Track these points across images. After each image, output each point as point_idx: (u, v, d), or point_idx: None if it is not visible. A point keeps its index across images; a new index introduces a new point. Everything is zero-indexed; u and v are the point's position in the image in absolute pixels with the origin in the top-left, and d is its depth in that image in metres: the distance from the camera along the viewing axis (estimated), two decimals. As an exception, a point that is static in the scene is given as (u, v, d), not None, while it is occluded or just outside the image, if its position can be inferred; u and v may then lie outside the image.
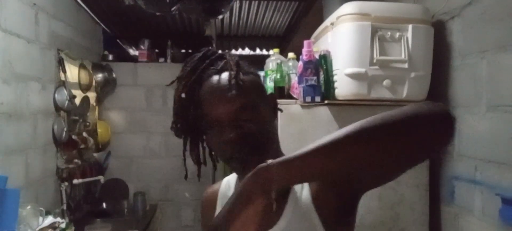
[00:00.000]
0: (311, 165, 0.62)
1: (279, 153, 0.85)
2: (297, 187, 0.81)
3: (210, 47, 0.89)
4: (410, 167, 0.65)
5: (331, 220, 0.76)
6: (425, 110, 0.62)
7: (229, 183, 0.98)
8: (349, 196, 0.77)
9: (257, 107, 0.81)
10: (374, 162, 0.61)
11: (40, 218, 2.02)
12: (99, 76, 3.52)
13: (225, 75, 0.81)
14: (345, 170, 0.63)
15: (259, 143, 0.79)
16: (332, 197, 0.76)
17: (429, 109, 0.62)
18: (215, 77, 0.82)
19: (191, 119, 0.83)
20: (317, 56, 1.72)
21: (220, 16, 2.90)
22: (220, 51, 0.89)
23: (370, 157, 0.60)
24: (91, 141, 3.13)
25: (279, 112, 0.92)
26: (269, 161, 0.63)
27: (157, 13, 2.51)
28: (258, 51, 4.96)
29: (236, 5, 3.39)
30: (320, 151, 0.62)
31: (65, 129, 2.64)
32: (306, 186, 0.80)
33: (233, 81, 0.79)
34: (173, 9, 2.35)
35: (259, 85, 0.87)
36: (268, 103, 0.87)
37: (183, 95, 0.83)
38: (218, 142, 0.80)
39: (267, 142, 0.82)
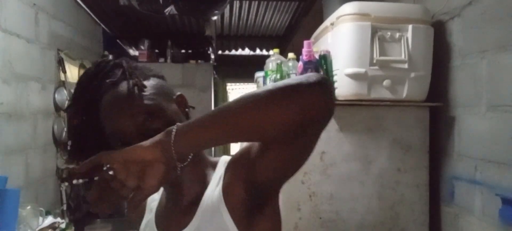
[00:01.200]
0: (208, 132, 0.62)
1: (200, 156, 0.83)
2: (212, 185, 0.79)
3: (104, 58, 0.82)
4: (304, 140, 0.65)
5: (241, 213, 0.73)
6: (303, 78, 0.62)
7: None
8: (258, 187, 0.72)
9: (165, 112, 0.75)
10: (263, 131, 0.61)
11: (40, 218, 2.02)
12: (99, 76, 3.52)
13: (123, 85, 0.75)
14: (237, 138, 0.65)
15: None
16: (239, 189, 0.73)
17: (307, 76, 0.62)
18: (113, 90, 0.75)
19: (95, 146, 0.72)
20: (317, 56, 1.72)
21: (214, 17, 2.91)
22: (114, 60, 0.82)
23: (259, 125, 0.61)
24: (91, 141, 3.13)
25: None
26: (176, 125, 0.63)
27: (152, 14, 2.52)
28: (258, 51, 4.96)
29: (236, 5, 3.39)
30: (216, 118, 0.63)
31: (65, 129, 2.64)
32: (220, 180, 0.78)
33: (133, 89, 0.74)
34: (167, 10, 2.35)
35: (163, 88, 0.81)
36: (177, 104, 0.82)
37: (76, 122, 0.78)
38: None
39: None
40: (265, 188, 0.73)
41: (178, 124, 0.64)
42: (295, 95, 0.59)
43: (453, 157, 1.61)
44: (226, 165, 0.79)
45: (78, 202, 2.98)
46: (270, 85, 0.64)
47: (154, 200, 0.91)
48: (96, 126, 0.76)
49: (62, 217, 2.49)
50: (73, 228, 2.30)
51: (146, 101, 0.74)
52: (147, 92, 0.75)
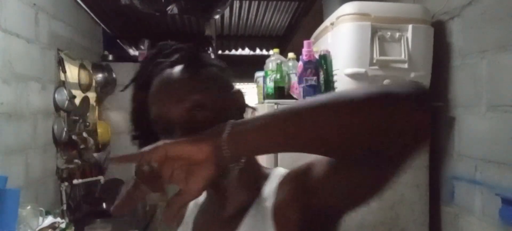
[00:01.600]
0: (272, 134, 0.52)
1: (253, 163, 0.74)
2: (261, 198, 0.69)
3: (169, 41, 0.76)
4: (388, 166, 0.52)
5: None
6: (400, 88, 0.50)
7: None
8: (315, 213, 0.62)
9: (215, 105, 0.66)
10: (350, 143, 0.49)
11: (40, 218, 2.02)
12: (99, 76, 3.52)
13: (177, 69, 0.69)
14: (307, 148, 0.52)
15: None
16: (294, 212, 0.63)
17: (404, 86, 0.50)
18: (166, 72, 0.69)
19: (145, 127, 0.69)
20: (317, 56, 1.72)
21: (216, 16, 2.90)
22: (178, 44, 0.75)
23: (348, 134, 0.48)
24: (91, 141, 3.13)
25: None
26: (232, 122, 0.54)
27: (154, 13, 2.52)
28: (258, 51, 4.96)
29: (236, 5, 3.39)
30: (287, 119, 0.51)
31: (65, 129, 2.64)
32: (272, 195, 0.67)
33: (186, 75, 0.67)
34: (168, 8, 2.35)
35: (222, 80, 0.73)
36: (232, 101, 0.73)
37: (132, 99, 0.73)
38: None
39: None
40: (324, 216, 0.62)
41: (234, 121, 0.54)
42: (402, 107, 0.47)
43: (453, 157, 1.61)
44: (281, 178, 0.69)
45: (78, 202, 2.98)
46: (366, 88, 0.50)
47: (194, 206, 0.82)
48: (146, 106, 0.69)
49: (62, 217, 2.49)
50: (73, 228, 2.30)
51: (197, 90, 0.66)
52: (201, 81, 0.68)
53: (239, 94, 0.76)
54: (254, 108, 0.79)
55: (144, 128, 0.70)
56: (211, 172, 0.53)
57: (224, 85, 0.73)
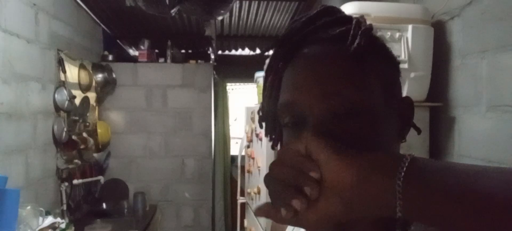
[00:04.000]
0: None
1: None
2: None
3: (333, 7, 0.55)
4: None
5: None
6: None
7: None
8: None
9: (377, 119, 0.46)
10: None
11: (40, 218, 2.02)
12: (99, 76, 3.52)
13: (337, 48, 0.48)
14: None
15: None
16: None
17: None
18: (316, 48, 0.49)
19: (272, 104, 0.53)
20: (317, 56, 1.72)
21: (220, 17, 2.91)
22: (345, 14, 0.55)
23: None
24: (91, 141, 3.13)
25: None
26: (412, 156, 0.36)
27: (158, 15, 2.52)
28: (258, 51, 4.97)
29: (236, 5, 3.39)
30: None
31: (65, 129, 2.64)
32: None
33: (344, 61, 0.47)
34: (173, 11, 2.36)
35: (393, 78, 0.52)
36: (398, 111, 0.51)
37: (267, 67, 0.55)
38: (286, 147, 0.43)
39: None
40: None
41: (417, 156, 0.36)
42: None
43: (453, 157, 1.61)
44: None
45: (78, 202, 2.98)
46: None
47: None
48: (279, 86, 0.52)
49: (62, 217, 2.49)
50: (73, 228, 2.30)
51: (357, 89, 0.45)
52: (366, 76, 0.47)
53: (408, 105, 0.54)
54: (418, 130, 0.54)
55: (271, 111, 0.54)
56: (339, 211, 0.37)
57: (392, 90, 0.51)
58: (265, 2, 3.35)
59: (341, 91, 0.45)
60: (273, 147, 0.58)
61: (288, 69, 0.51)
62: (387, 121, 0.48)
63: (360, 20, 0.51)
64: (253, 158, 2.60)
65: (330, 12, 0.53)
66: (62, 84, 2.67)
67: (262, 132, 2.03)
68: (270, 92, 0.54)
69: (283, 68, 0.52)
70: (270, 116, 0.55)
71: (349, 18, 0.52)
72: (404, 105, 0.53)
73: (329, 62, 0.47)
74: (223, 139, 4.76)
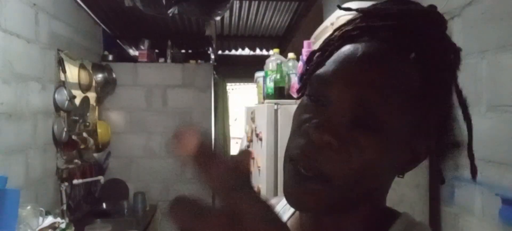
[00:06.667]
0: None
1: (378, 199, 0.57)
2: None
3: (390, 5, 0.51)
4: None
5: None
6: None
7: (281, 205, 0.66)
8: None
9: (385, 140, 0.45)
10: None
11: (40, 218, 2.02)
12: (99, 76, 3.52)
13: (396, 58, 0.47)
14: None
15: (343, 191, 0.46)
16: None
17: None
18: (379, 46, 0.47)
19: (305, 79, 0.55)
20: (317, 56, 1.72)
21: (218, 18, 2.91)
22: (427, 8, 0.51)
23: None
24: (91, 141, 3.14)
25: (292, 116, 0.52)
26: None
27: (156, 15, 2.52)
28: (258, 51, 4.97)
29: (236, 5, 3.39)
30: None
31: (65, 129, 2.64)
32: None
33: (371, 64, 0.45)
34: (170, 11, 2.36)
35: (436, 120, 0.53)
36: (409, 148, 0.51)
37: (323, 42, 0.55)
38: (291, 136, 0.49)
39: (358, 198, 0.50)
40: None
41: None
42: None
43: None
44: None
45: (78, 202, 2.98)
46: None
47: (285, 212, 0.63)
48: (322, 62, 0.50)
49: (62, 217, 2.49)
50: (73, 228, 2.30)
51: (390, 107, 0.44)
52: (411, 103, 0.47)
53: (427, 150, 0.55)
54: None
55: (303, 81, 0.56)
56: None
57: (430, 129, 0.52)
58: (265, 2, 3.35)
59: (372, 100, 0.43)
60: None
61: (343, 49, 0.48)
62: (396, 153, 0.49)
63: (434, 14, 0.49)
64: (253, 158, 2.60)
65: (384, 10, 0.50)
66: (62, 84, 2.67)
67: (262, 132, 2.02)
68: (321, 57, 0.52)
69: (340, 46, 0.50)
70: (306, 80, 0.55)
71: (403, 16, 0.48)
72: (425, 150, 0.52)
73: (381, 70, 0.45)
74: (223, 139, 4.76)
